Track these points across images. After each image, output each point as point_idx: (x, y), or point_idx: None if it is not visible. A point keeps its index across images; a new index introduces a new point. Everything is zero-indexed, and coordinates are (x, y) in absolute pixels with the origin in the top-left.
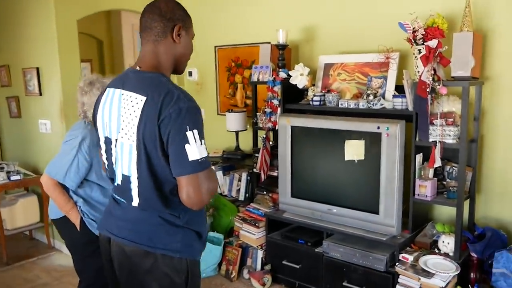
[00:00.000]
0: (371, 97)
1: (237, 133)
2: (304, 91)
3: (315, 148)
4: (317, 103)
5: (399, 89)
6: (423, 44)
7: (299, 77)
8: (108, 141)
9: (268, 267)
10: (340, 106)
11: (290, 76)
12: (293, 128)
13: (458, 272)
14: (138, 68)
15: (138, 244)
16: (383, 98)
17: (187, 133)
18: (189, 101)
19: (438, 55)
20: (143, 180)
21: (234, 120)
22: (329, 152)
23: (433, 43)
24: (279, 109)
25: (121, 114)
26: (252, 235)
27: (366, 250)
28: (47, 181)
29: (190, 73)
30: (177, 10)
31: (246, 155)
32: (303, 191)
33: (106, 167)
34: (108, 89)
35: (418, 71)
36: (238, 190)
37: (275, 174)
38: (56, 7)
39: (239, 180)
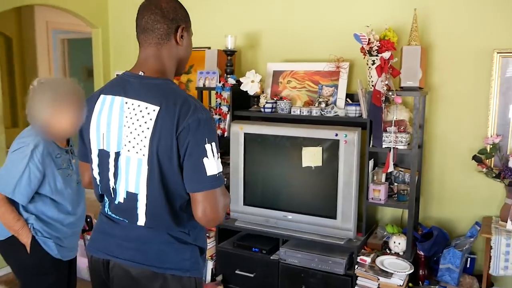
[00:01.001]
0: (323, 105)
1: None
2: (253, 97)
3: (270, 155)
4: (269, 110)
5: (349, 97)
6: (377, 55)
7: (250, 84)
8: (104, 154)
9: (219, 277)
10: (292, 113)
11: (239, 82)
12: (246, 135)
13: (412, 270)
14: (141, 73)
15: (146, 266)
16: (335, 106)
17: (206, 145)
18: (206, 112)
19: (390, 67)
20: (153, 198)
21: None
22: (284, 159)
23: (387, 54)
24: (228, 115)
25: (125, 125)
26: None
27: (324, 254)
28: None
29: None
30: (179, 9)
31: None
32: (257, 199)
33: (98, 183)
34: (103, 96)
35: (372, 81)
36: None
37: None
38: None
39: None
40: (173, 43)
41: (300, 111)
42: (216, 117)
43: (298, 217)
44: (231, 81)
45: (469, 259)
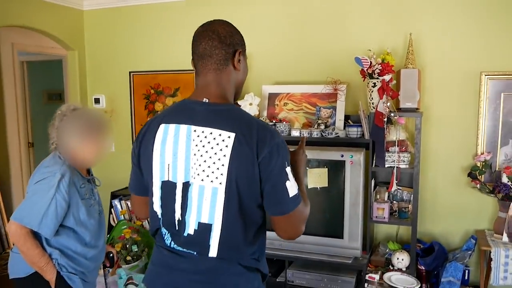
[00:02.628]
0: (322, 126)
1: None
2: None
3: None
4: None
5: (347, 118)
6: (377, 78)
7: (248, 106)
8: (169, 185)
9: None
10: (292, 135)
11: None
12: None
13: (419, 285)
14: (205, 100)
15: None
16: (335, 127)
17: (286, 169)
18: (280, 135)
19: (390, 89)
20: (229, 226)
21: None
22: None
23: (388, 77)
24: None
25: (195, 154)
26: None
27: (332, 274)
28: (17, 231)
29: (97, 100)
30: (235, 34)
31: None
32: None
33: (160, 216)
34: (164, 125)
35: (373, 103)
36: None
37: None
38: None
39: None
40: (231, 68)
41: (301, 133)
42: None
43: (304, 238)
44: None
45: (466, 271)
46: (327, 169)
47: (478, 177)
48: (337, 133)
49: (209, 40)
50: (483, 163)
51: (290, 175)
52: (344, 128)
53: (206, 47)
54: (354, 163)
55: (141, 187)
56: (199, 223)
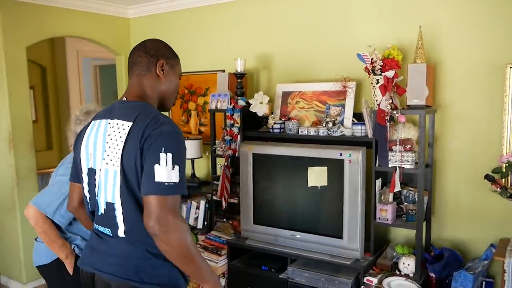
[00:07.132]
0: (330, 125)
1: (192, 160)
2: (263, 118)
3: (278, 175)
4: (278, 130)
5: (357, 116)
6: (381, 74)
7: (258, 105)
8: (91, 172)
9: None
10: (300, 133)
11: (249, 104)
12: (255, 155)
13: None
14: (124, 98)
15: (125, 280)
16: (342, 125)
17: (160, 154)
18: (173, 127)
19: (394, 85)
20: (127, 206)
21: (189, 148)
22: (292, 179)
23: (390, 73)
24: (238, 136)
25: (107, 142)
26: (215, 263)
27: (331, 274)
28: (35, 214)
29: None
30: (162, 48)
31: (202, 182)
32: (266, 218)
33: (88, 200)
34: (93, 121)
35: (377, 100)
36: (196, 218)
37: (235, 201)
38: (4, 33)
39: (197, 208)
40: (153, 75)
41: (308, 131)
42: (228, 138)
43: (306, 237)
44: (241, 103)
45: (484, 282)
46: (326, 167)
47: (500, 181)
48: (342, 132)
49: (137, 51)
50: (507, 165)
51: (164, 162)
52: (352, 126)
53: (134, 57)
54: (353, 162)
55: (76, 175)
56: (106, 202)
